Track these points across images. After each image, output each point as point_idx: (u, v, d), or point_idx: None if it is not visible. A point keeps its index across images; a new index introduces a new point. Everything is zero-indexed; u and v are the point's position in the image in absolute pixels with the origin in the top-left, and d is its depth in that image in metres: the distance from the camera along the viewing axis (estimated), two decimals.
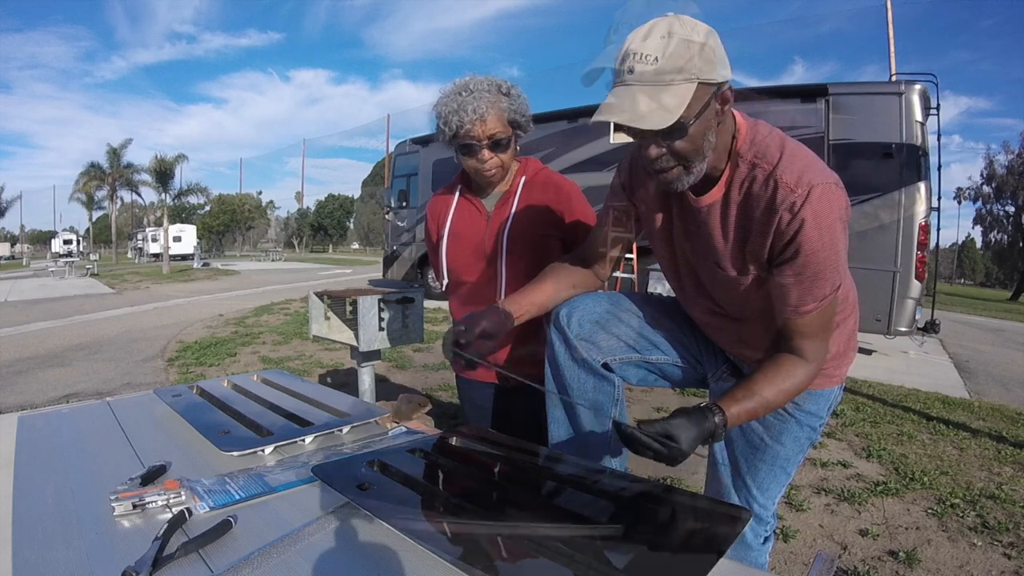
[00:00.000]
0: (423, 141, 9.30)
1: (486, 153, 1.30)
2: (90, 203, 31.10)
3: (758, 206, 0.87)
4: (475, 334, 1.00)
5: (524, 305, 1.12)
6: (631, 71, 0.78)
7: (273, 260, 28.90)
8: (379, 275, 12.47)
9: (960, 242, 49.65)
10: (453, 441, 1.05)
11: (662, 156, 0.85)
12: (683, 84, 0.78)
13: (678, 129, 0.80)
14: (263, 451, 1.02)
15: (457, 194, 1.46)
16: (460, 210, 1.45)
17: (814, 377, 0.93)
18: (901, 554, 1.92)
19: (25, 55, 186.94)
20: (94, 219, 39.06)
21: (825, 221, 0.83)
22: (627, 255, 6.20)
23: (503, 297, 1.34)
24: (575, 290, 1.17)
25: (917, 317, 5.27)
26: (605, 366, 1.11)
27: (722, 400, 0.87)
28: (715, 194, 0.93)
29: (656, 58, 0.77)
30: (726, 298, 1.01)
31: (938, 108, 5.36)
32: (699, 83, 0.79)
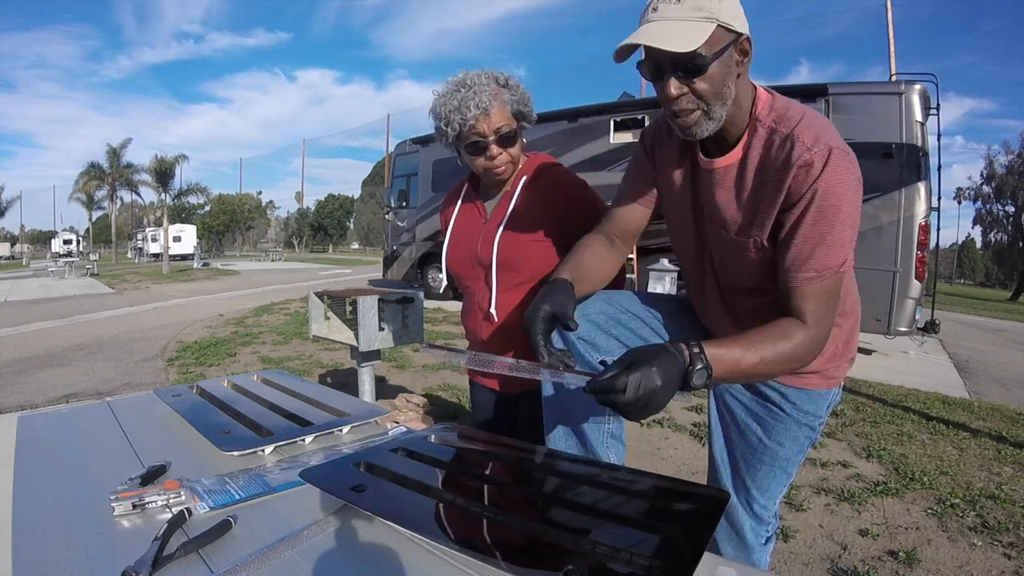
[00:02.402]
0: (423, 141, 9.30)
1: (494, 149, 1.23)
2: (90, 203, 31.10)
3: (774, 165, 0.87)
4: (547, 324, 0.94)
5: (580, 280, 1.04)
6: (655, 9, 0.83)
7: (273, 260, 28.90)
8: (379, 275, 12.47)
9: (960, 242, 49.69)
10: (433, 439, 1.05)
11: (683, 95, 0.85)
12: (704, 22, 0.81)
13: (699, 65, 0.82)
14: (263, 451, 1.02)
15: (462, 195, 1.42)
16: (462, 212, 1.41)
17: (815, 348, 0.88)
18: (901, 554, 1.92)
19: (32, 54, 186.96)
20: (94, 219, 39.06)
21: (841, 187, 0.82)
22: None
23: (494, 306, 1.31)
24: (613, 272, 1.14)
25: (917, 317, 5.27)
26: (603, 363, 1.11)
27: (705, 341, 0.81)
28: (732, 157, 0.92)
29: None
30: (727, 267, 1.00)
31: (938, 108, 5.36)
32: (718, 25, 0.81)
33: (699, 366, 0.77)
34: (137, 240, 35.62)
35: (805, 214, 0.84)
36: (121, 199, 29.76)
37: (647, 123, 5.11)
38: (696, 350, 0.78)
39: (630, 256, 6.53)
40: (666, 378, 0.74)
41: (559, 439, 1.16)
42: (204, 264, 22.84)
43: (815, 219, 0.83)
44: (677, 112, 0.87)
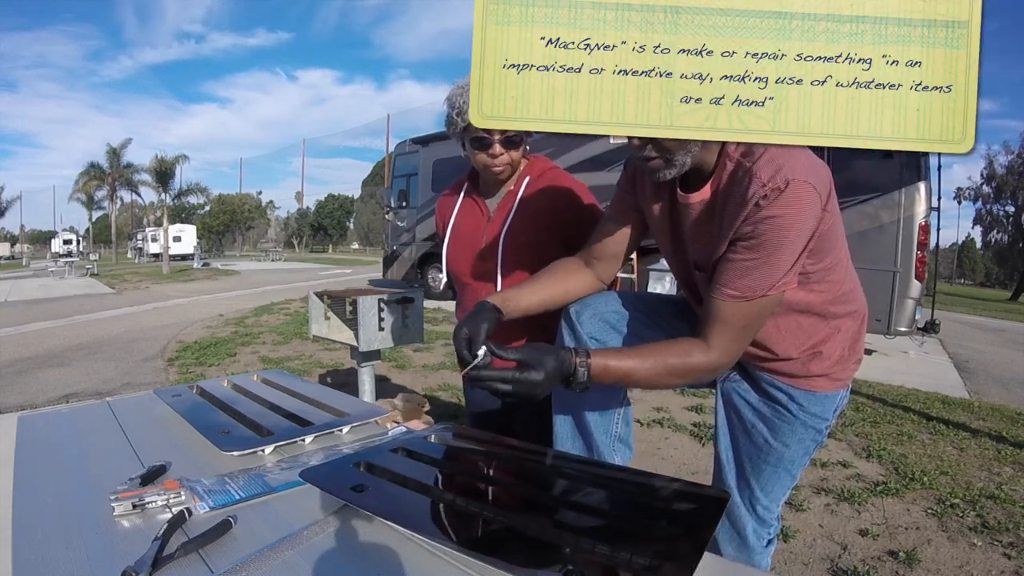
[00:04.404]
0: (423, 141, 9.30)
1: (498, 148, 1.27)
2: (90, 203, 31.12)
3: (733, 200, 0.87)
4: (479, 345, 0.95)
5: (511, 304, 1.06)
6: None
7: (273, 260, 28.90)
8: (379, 275, 12.47)
9: (960, 242, 49.72)
10: (432, 439, 1.05)
11: (644, 146, 0.87)
12: None
13: None
14: (263, 451, 1.02)
15: (462, 193, 1.44)
16: (463, 210, 1.42)
17: (712, 370, 0.93)
18: (901, 554, 1.92)
19: (32, 54, 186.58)
20: (94, 219, 39.11)
21: (790, 220, 0.81)
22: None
23: None
24: (568, 295, 1.13)
25: (917, 317, 5.27)
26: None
27: (597, 350, 0.91)
28: (703, 193, 0.93)
29: None
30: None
31: None
32: None
33: (581, 376, 0.89)
34: (137, 240, 35.64)
35: (747, 240, 0.85)
36: (121, 199, 29.83)
37: None
38: (582, 358, 0.89)
39: (630, 256, 6.52)
40: (547, 382, 0.86)
41: (566, 441, 1.16)
42: (204, 264, 22.83)
43: (755, 247, 0.84)
44: (641, 158, 0.90)
